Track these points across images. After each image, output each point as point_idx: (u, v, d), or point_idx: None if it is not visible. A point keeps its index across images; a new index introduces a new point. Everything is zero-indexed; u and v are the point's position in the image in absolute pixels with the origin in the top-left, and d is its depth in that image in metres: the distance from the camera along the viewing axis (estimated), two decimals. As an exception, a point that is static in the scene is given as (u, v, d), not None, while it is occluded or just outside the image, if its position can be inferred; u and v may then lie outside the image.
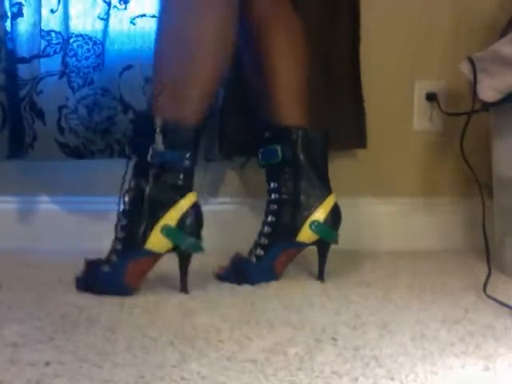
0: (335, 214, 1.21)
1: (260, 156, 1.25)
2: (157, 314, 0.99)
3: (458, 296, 1.12)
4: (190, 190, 1.11)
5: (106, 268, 1.10)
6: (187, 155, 1.10)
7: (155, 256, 1.10)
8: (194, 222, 1.10)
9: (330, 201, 1.21)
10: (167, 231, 1.09)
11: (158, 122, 1.08)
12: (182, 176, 1.10)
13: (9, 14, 1.41)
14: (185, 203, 1.09)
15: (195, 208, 1.11)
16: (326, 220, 1.20)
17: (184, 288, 1.12)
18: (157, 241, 1.09)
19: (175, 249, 1.10)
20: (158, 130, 1.08)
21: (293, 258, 1.23)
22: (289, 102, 1.25)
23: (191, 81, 1.09)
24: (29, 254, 1.41)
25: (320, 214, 1.20)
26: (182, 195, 1.10)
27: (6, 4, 1.41)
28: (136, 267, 1.10)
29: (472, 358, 0.84)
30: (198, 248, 1.11)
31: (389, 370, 0.79)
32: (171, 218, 1.09)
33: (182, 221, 1.09)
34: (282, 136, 1.22)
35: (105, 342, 0.89)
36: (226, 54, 1.13)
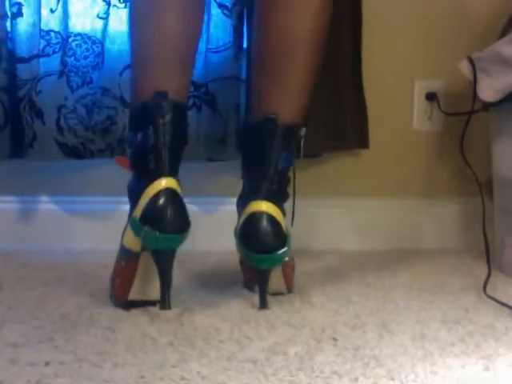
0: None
1: None
2: (157, 313, 0.99)
3: (458, 296, 1.12)
4: (161, 174, 0.99)
5: None
6: (144, 132, 1.00)
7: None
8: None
9: None
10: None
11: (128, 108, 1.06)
12: (152, 158, 1.00)
13: (8, 14, 1.41)
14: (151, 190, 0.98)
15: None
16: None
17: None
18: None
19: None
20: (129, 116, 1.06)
21: None
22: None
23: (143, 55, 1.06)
24: (29, 253, 1.41)
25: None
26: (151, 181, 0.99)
27: (6, 4, 1.41)
28: None
29: (472, 358, 0.84)
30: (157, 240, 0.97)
31: (389, 370, 0.79)
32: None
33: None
34: None
35: (105, 341, 0.89)
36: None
